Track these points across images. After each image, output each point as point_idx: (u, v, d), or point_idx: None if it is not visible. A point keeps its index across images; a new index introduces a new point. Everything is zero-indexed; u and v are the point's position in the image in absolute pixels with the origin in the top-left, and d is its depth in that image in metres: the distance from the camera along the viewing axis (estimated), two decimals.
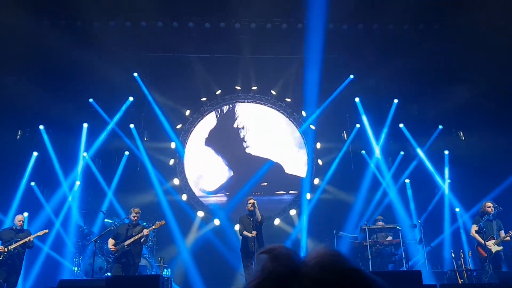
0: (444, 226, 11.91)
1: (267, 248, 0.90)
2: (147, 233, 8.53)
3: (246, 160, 13.33)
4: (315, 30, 11.53)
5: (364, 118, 12.98)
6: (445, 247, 11.25)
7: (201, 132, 13.48)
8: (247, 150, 13.41)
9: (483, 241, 8.59)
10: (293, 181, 13.32)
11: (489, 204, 8.93)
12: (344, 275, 0.82)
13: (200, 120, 13.51)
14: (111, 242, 8.63)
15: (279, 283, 0.82)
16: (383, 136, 12.91)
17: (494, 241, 8.63)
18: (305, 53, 12.29)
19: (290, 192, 13.27)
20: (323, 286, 0.80)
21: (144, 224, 9.41)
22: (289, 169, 13.40)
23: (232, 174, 13.27)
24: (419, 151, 12.70)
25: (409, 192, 12.47)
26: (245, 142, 13.45)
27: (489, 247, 8.55)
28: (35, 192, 11.62)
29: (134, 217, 8.71)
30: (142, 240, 8.57)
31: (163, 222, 9.00)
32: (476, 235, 8.81)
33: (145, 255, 10.20)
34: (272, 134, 13.61)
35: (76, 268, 10.13)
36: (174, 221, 12.03)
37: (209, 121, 13.58)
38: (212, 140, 13.44)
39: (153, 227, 8.79)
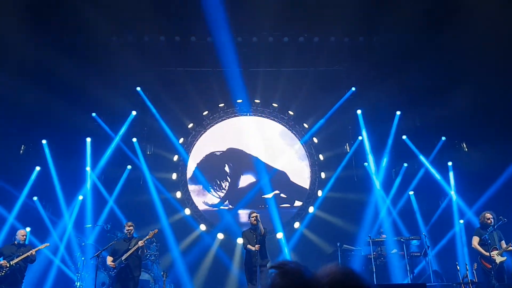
0: (447, 238, 11.79)
1: (277, 263, 0.89)
2: (142, 244, 8.52)
3: (249, 169, 13.30)
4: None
5: (364, 134, 12.94)
6: (450, 260, 11.10)
7: (204, 146, 13.48)
8: (254, 154, 13.40)
9: (487, 253, 8.46)
10: (297, 193, 13.27)
11: (488, 215, 8.79)
12: None
13: (202, 134, 13.52)
14: (109, 259, 8.63)
15: None
16: (385, 159, 12.87)
17: (497, 251, 8.53)
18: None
19: (295, 205, 13.22)
20: None
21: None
22: (293, 178, 13.39)
23: (235, 184, 13.23)
24: (424, 160, 12.65)
25: (414, 204, 12.40)
26: (249, 152, 13.45)
27: (493, 258, 8.44)
28: (37, 207, 11.62)
29: (127, 231, 8.76)
30: (139, 252, 8.56)
31: (156, 230, 8.99)
32: (479, 247, 8.64)
33: (148, 270, 10.16)
34: (275, 146, 13.61)
35: (78, 283, 10.07)
36: (177, 235, 12.00)
37: (211, 135, 13.57)
38: (211, 155, 13.44)
39: (147, 237, 8.77)
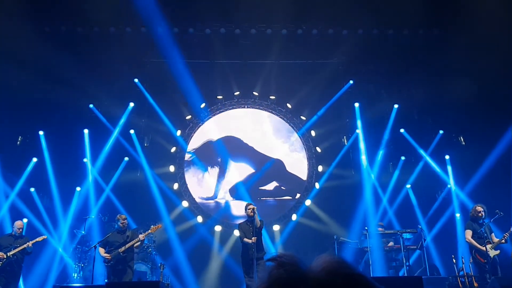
0: (445, 231, 11.85)
1: (274, 256, 0.92)
2: (142, 239, 8.52)
3: (246, 160, 13.32)
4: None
5: (359, 127, 12.94)
6: (447, 252, 11.17)
7: (201, 138, 13.48)
8: (250, 144, 13.41)
9: (483, 248, 8.44)
10: (297, 184, 13.30)
11: (479, 208, 8.76)
12: (348, 279, 0.86)
13: (200, 126, 13.51)
14: (101, 250, 8.58)
15: (286, 287, 0.85)
16: (380, 154, 12.88)
17: (490, 245, 8.53)
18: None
19: (296, 197, 13.25)
20: None
21: (141, 230, 9.37)
22: (291, 169, 13.42)
23: (231, 175, 13.25)
24: (423, 153, 12.67)
25: (412, 197, 12.45)
26: (246, 144, 13.45)
27: (488, 252, 8.46)
28: (34, 198, 11.63)
29: (121, 224, 8.73)
30: (134, 245, 8.57)
31: (159, 225, 8.95)
32: (473, 241, 8.60)
33: (146, 262, 10.19)
34: (272, 138, 13.63)
35: (75, 274, 10.11)
36: (175, 226, 12.04)
37: (209, 127, 13.57)
38: (208, 147, 13.45)
39: (149, 231, 8.76)
